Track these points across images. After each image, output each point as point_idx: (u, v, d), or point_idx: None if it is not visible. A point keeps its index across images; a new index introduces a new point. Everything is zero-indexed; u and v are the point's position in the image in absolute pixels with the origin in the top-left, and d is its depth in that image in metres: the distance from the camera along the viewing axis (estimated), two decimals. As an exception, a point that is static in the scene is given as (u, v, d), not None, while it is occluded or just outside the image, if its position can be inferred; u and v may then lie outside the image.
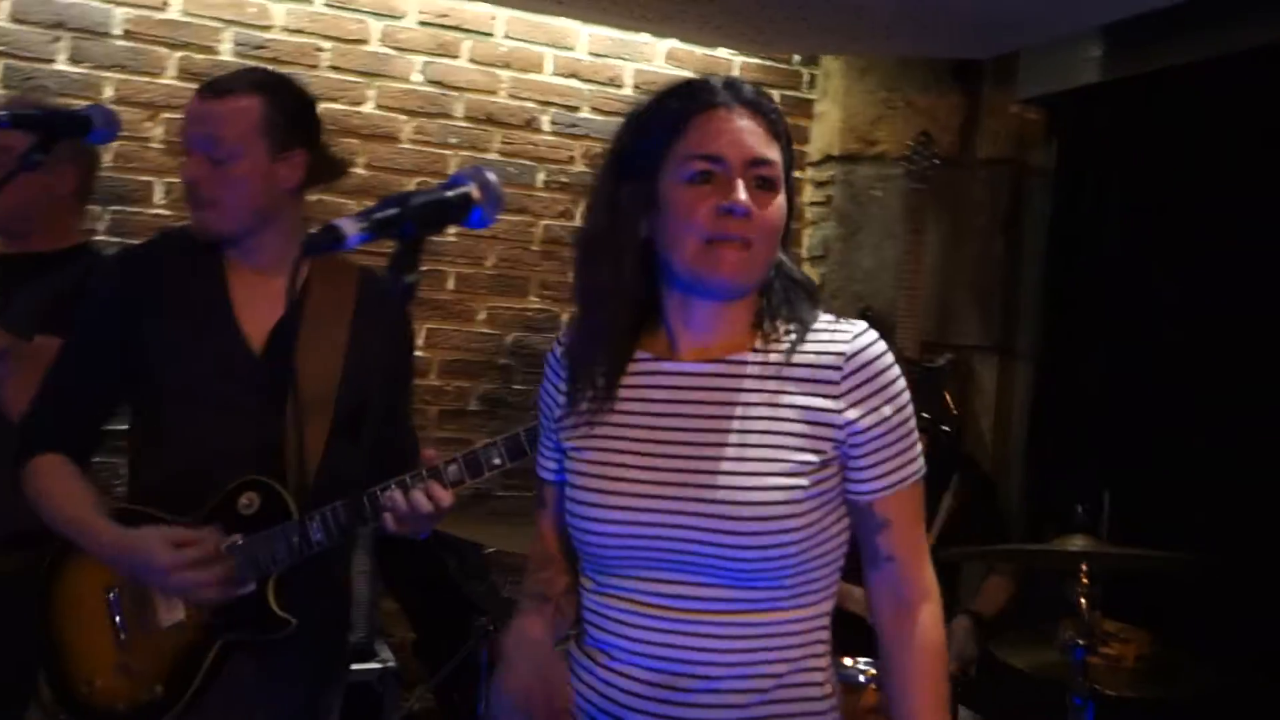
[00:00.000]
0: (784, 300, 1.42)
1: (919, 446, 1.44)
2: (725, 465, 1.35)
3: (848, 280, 3.98)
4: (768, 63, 4.06)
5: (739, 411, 1.38)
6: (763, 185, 1.37)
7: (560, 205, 3.83)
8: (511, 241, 3.75)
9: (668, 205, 1.36)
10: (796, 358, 1.39)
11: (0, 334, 2.05)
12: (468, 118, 3.69)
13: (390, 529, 1.83)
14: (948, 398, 3.57)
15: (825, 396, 1.37)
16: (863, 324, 1.43)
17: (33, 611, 1.97)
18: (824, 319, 1.43)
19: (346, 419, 1.94)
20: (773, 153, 1.38)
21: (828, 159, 4.04)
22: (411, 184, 3.62)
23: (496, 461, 1.84)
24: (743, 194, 1.34)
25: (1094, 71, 3.44)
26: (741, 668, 1.36)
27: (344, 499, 1.85)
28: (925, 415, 3.48)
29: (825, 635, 1.43)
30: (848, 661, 2.41)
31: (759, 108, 1.40)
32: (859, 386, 1.38)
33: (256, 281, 1.94)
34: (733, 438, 1.36)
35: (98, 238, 3.25)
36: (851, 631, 1.86)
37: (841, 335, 1.40)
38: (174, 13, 3.35)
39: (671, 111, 1.40)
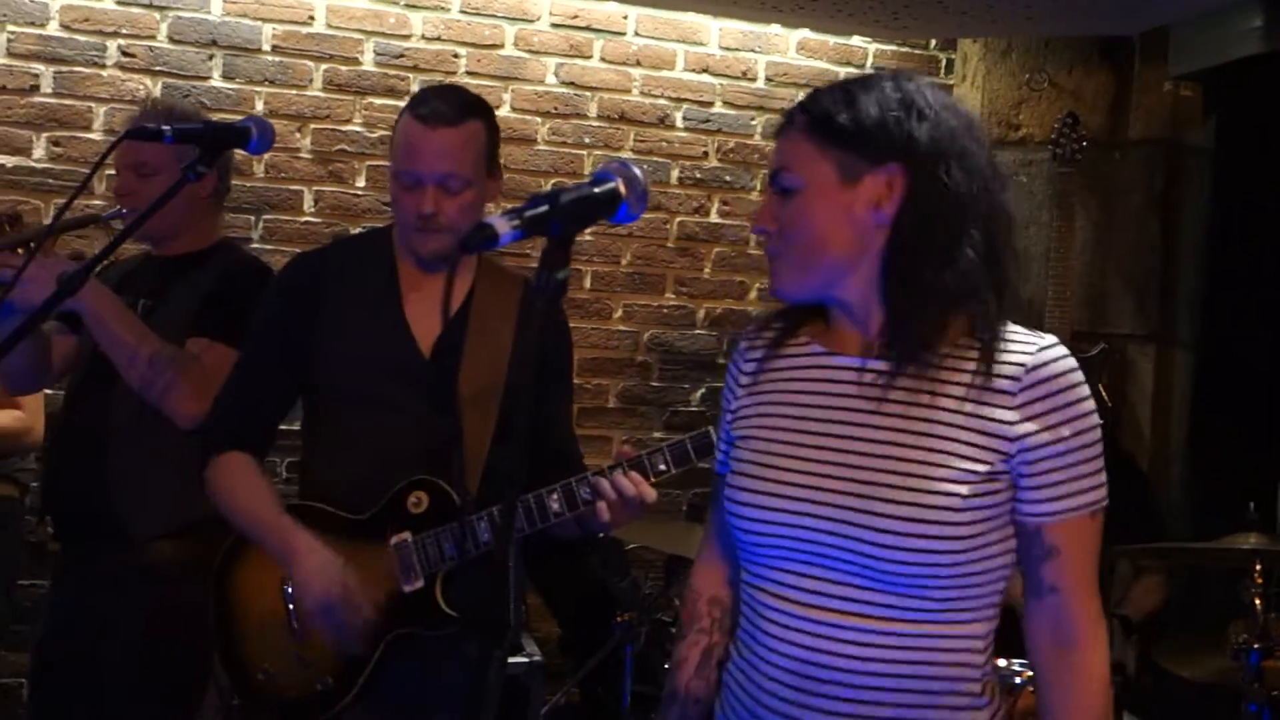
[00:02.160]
0: (978, 305, 1.34)
1: (1104, 475, 1.35)
2: (882, 464, 1.32)
3: (991, 269, 3.85)
4: (903, 49, 3.97)
5: (905, 411, 1.33)
6: (784, 192, 1.37)
7: (695, 201, 3.82)
8: (647, 239, 3.76)
9: None
10: (976, 364, 1.33)
11: (160, 342, 2.14)
12: (601, 117, 3.72)
13: (567, 527, 1.86)
14: (1102, 390, 3.43)
15: (1000, 407, 1.32)
16: (1052, 338, 1.36)
17: (204, 599, 2.06)
18: (1016, 329, 1.37)
19: (511, 422, 1.97)
20: (785, 162, 1.37)
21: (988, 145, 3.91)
22: (548, 185, 3.67)
23: (662, 468, 1.85)
24: (760, 213, 1.41)
25: (1254, 43, 3.25)
26: (881, 677, 1.32)
27: (511, 500, 1.88)
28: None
29: (981, 659, 1.36)
30: (1002, 662, 2.33)
31: (810, 126, 1.38)
32: (1037, 401, 1.31)
33: (427, 288, 2.00)
34: (895, 437, 1.33)
35: (252, 246, 3.40)
36: (1006, 626, 1.79)
37: (1026, 346, 1.34)
38: (319, 26, 3.46)
39: None
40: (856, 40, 3.91)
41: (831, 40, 3.88)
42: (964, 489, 1.29)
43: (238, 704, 2.06)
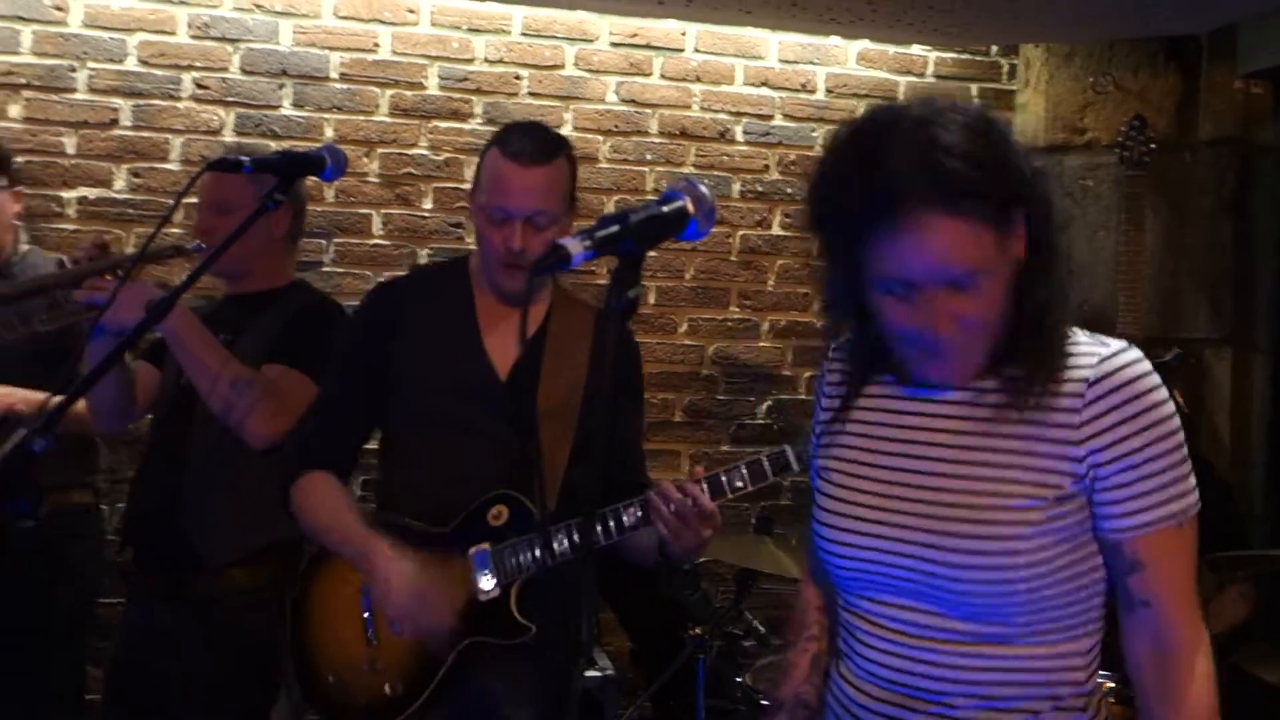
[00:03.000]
0: (1034, 325, 1.30)
1: (1189, 482, 1.30)
2: (951, 497, 1.31)
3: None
4: (963, 56, 3.95)
5: (972, 441, 1.32)
6: (955, 288, 1.23)
7: (757, 215, 3.83)
8: (710, 253, 3.78)
9: (874, 308, 1.30)
10: (1037, 385, 1.29)
11: (239, 366, 2.20)
12: (662, 133, 3.75)
13: (661, 546, 1.90)
14: (1178, 395, 3.37)
15: (1064, 427, 1.28)
16: (1119, 344, 1.31)
17: (273, 625, 2.11)
18: (1079, 339, 1.32)
19: (586, 442, 2.03)
20: (961, 255, 1.20)
21: (1033, 151, 3.87)
22: (610, 203, 3.70)
23: (739, 485, 1.87)
24: (934, 321, 1.24)
25: (1328, 38, 3.18)
26: (979, 700, 1.31)
27: (587, 515, 1.92)
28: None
29: (1082, 676, 1.34)
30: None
31: (957, 205, 1.19)
32: (1102, 415, 1.27)
33: (504, 316, 2.06)
34: (963, 469, 1.32)
35: (324, 269, 3.47)
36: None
37: (1087, 359, 1.29)
38: (384, 53, 3.54)
39: (852, 218, 1.24)
40: (916, 49, 3.89)
41: (891, 50, 3.87)
42: (1034, 515, 1.27)
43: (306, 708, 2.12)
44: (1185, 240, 3.64)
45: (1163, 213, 3.63)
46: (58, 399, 1.82)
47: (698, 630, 2.79)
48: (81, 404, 1.86)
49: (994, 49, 3.97)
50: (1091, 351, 1.30)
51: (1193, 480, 1.31)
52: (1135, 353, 1.31)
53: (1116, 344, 1.32)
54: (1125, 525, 1.29)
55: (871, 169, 1.20)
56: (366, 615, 2.01)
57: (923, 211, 1.19)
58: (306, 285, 2.59)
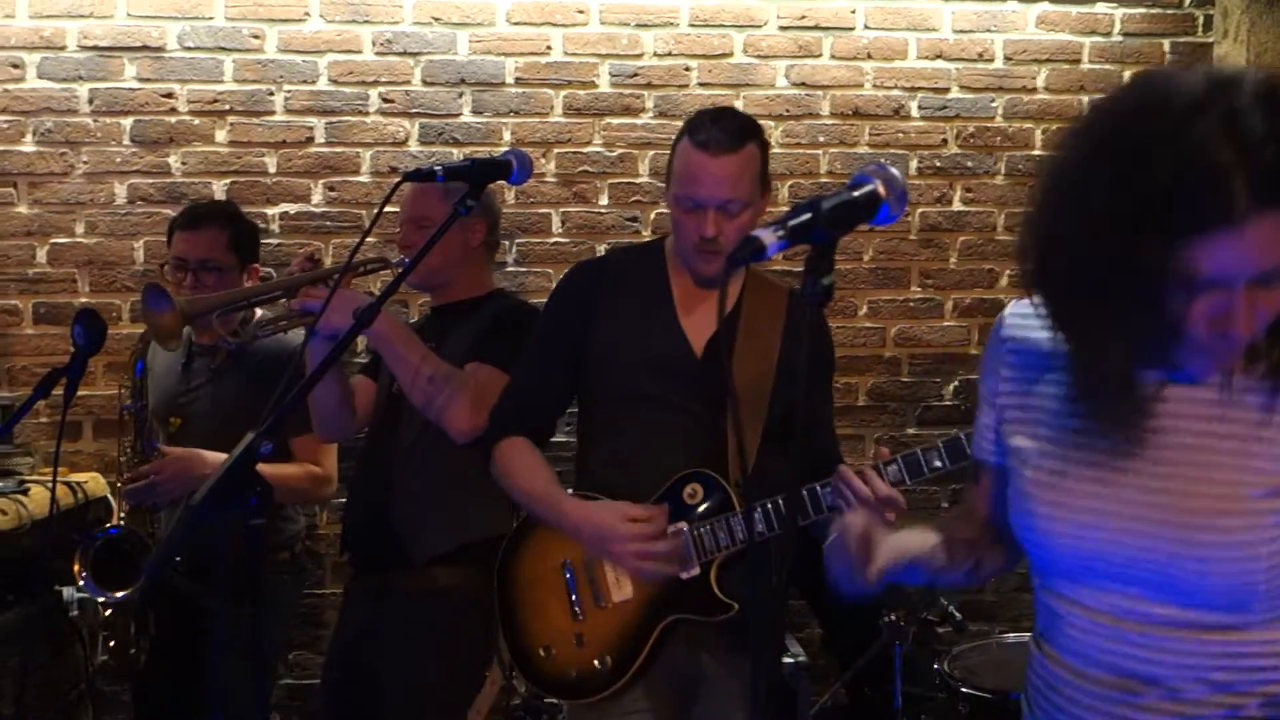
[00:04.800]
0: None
1: None
2: (1194, 486, 1.25)
3: (1269, 237, 3.57)
4: (1153, 10, 3.75)
5: (1215, 429, 1.26)
6: (1266, 285, 1.13)
7: (936, 191, 3.73)
8: (888, 232, 3.71)
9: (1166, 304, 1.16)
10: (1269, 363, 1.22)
11: (440, 363, 2.30)
12: (834, 114, 3.70)
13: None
14: None
15: None
16: None
17: (470, 624, 2.20)
18: None
19: (779, 422, 2.05)
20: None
21: None
22: (784, 188, 3.68)
23: (937, 464, 1.86)
24: (1242, 320, 1.14)
25: None
26: (1208, 685, 1.26)
27: (782, 494, 1.94)
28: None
29: None
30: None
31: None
32: None
33: (698, 294, 2.10)
34: (1204, 456, 1.25)
35: (508, 268, 3.59)
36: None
37: None
38: (556, 55, 3.62)
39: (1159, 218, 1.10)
40: (1100, 7, 3.72)
41: (1074, 10, 3.71)
42: (1277, 503, 1.21)
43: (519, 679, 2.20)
44: None
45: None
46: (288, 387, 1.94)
47: (892, 616, 2.75)
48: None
49: (1186, 0, 3.75)
50: None
51: None
52: None
53: None
54: None
55: (1191, 165, 1.08)
56: (571, 589, 2.08)
57: (1256, 211, 1.07)
58: (506, 293, 2.69)
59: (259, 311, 2.80)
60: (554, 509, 2.06)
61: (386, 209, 2.01)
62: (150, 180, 3.53)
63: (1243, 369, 1.25)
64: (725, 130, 2.00)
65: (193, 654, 2.65)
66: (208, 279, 2.78)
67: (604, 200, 3.66)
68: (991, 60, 3.72)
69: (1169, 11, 3.76)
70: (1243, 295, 1.12)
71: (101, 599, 2.73)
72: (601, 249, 3.64)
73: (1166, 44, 3.77)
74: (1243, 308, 1.12)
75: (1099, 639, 1.31)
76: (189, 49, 3.52)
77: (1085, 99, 3.73)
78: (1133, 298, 1.15)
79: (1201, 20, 3.77)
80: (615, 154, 3.65)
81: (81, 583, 2.68)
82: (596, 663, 2.04)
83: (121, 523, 2.76)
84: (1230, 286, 1.12)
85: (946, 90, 3.72)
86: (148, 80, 3.51)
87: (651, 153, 3.63)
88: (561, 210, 3.65)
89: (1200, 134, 1.07)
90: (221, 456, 2.68)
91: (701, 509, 2.01)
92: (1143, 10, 3.74)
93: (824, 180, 3.69)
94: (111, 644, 2.82)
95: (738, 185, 1.98)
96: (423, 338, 2.40)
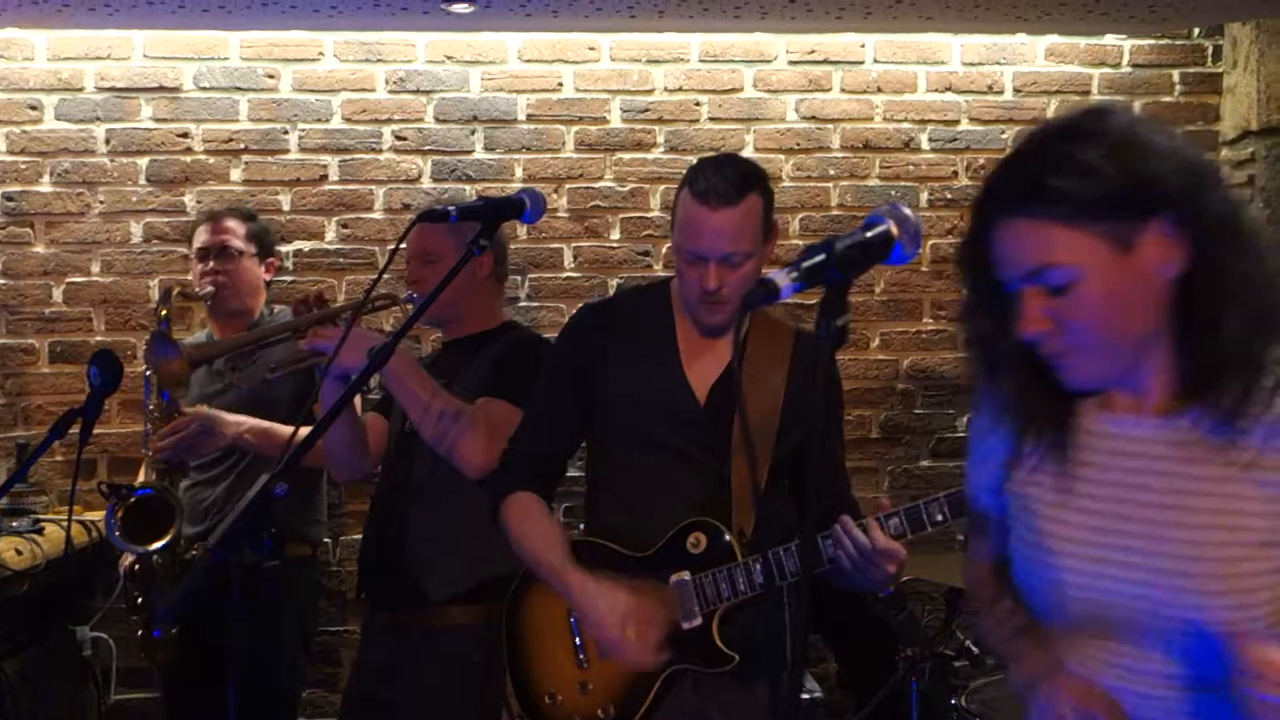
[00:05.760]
0: (1242, 341, 1.19)
1: None
2: (1178, 534, 1.23)
3: (1283, 266, 3.56)
4: (1162, 41, 3.76)
5: (1191, 470, 1.23)
6: (1045, 287, 1.22)
7: (947, 222, 3.74)
8: (900, 266, 3.70)
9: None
10: (1254, 409, 1.19)
11: (451, 399, 2.30)
12: (844, 147, 3.71)
13: (847, 579, 1.89)
14: None
15: None
16: None
17: (490, 661, 2.19)
18: None
19: (783, 466, 2.03)
20: (1042, 252, 1.21)
21: (1245, 135, 3.65)
22: (795, 221, 3.69)
23: (939, 518, 1.84)
24: (1027, 322, 1.24)
25: None
26: None
27: (785, 542, 1.92)
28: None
29: None
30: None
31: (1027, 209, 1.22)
32: None
33: (702, 339, 2.09)
34: (1188, 501, 1.23)
35: (520, 304, 3.60)
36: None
37: None
38: (568, 92, 3.64)
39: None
40: (1110, 39, 3.73)
41: (1083, 43, 3.72)
42: (1273, 552, 1.18)
43: None
44: None
45: (1400, 191, 3.34)
46: (296, 434, 1.94)
47: (909, 652, 2.73)
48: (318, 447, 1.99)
49: (1196, 31, 3.76)
50: None
51: None
52: None
53: None
54: None
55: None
56: (576, 638, 2.07)
57: (1004, 216, 1.23)
58: (517, 325, 2.69)
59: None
60: (559, 579, 2.03)
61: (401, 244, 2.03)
62: (166, 219, 3.56)
63: (1201, 409, 1.22)
64: (726, 181, 1.95)
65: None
66: (227, 264, 3.00)
67: (616, 235, 3.68)
68: (1001, 93, 3.73)
69: (1178, 43, 3.77)
70: (1022, 296, 1.22)
71: (132, 554, 2.81)
72: (614, 284, 3.65)
73: (1176, 74, 3.77)
74: (1022, 308, 1.22)
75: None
76: (204, 89, 3.55)
77: (1095, 130, 3.73)
78: (979, 312, 1.31)
79: (1211, 50, 3.78)
80: (627, 189, 3.66)
81: (115, 536, 2.75)
82: (600, 711, 2.03)
83: (152, 483, 2.82)
84: (1011, 288, 1.23)
85: (956, 123, 3.73)
86: (164, 120, 3.55)
87: (663, 187, 3.65)
88: (573, 245, 3.67)
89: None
90: (241, 418, 2.83)
91: (705, 558, 2.00)
92: (1152, 41, 3.75)
93: (835, 213, 3.70)
94: (140, 632, 2.84)
95: (739, 238, 1.95)
96: (435, 373, 2.39)
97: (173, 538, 2.75)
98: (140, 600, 2.83)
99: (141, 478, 2.93)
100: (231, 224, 3.05)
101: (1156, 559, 1.23)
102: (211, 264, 3.00)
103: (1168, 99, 3.77)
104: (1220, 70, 3.77)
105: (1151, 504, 1.25)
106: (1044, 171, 1.20)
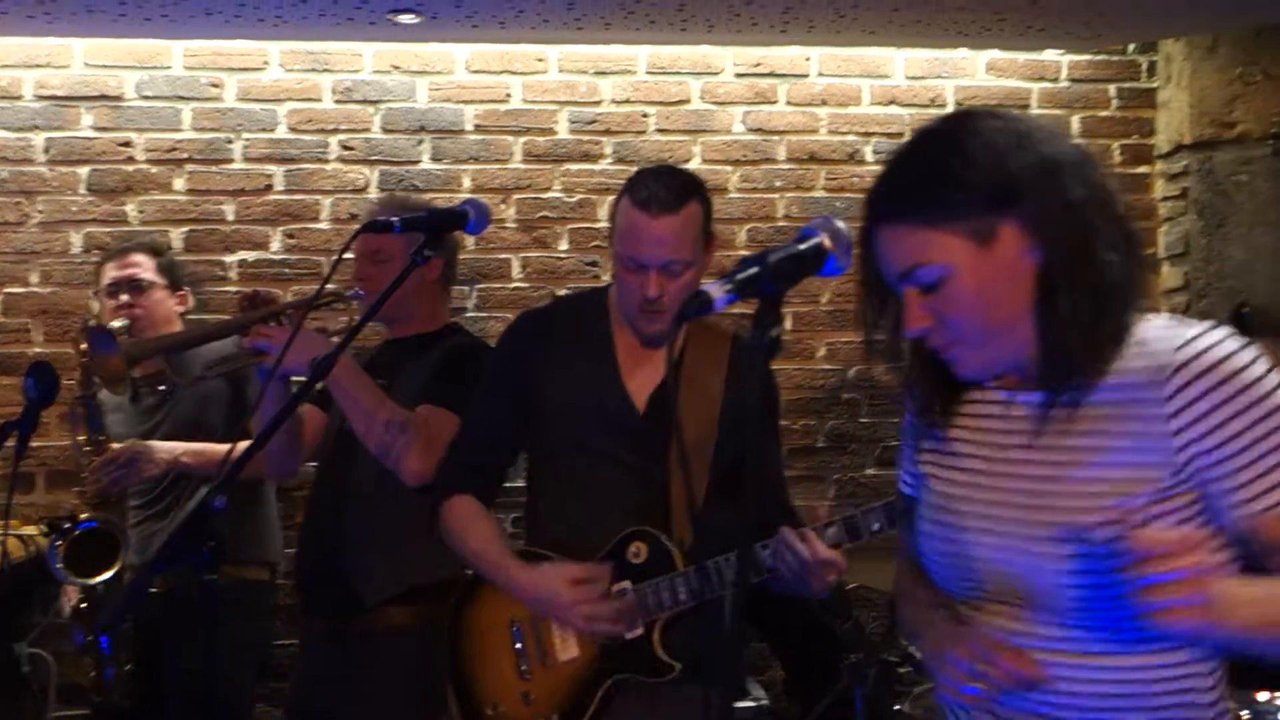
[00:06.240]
0: (1090, 319, 1.25)
1: None
2: (1044, 499, 1.28)
3: (1216, 276, 3.65)
4: (1099, 57, 3.84)
5: (1059, 441, 1.29)
6: (920, 286, 1.29)
7: (891, 234, 3.78)
8: (845, 275, 3.74)
9: None
10: (1112, 378, 1.26)
11: (396, 409, 2.30)
12: (790, 159, 3.75)
13: (785, 584, 1.90)
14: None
15: (1151, 419, 1.23)
16: (1201, 325, 1.26)
17: (423, 662, 2.18)
18: (1153, 327, 1.27)
19: (723, 474, 2.05)
20: (912, 254, 1.29)
21: (1179, 149, 3.74)
22: (742, 232, 3.72)
23: (876, 527, 1.87)
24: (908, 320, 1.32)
25: None
26: (1097, 711, 1.27)
27: (726, 551, 1.94)
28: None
29: (1206, 684, 1.28)
30: (1262, 696, 2.19)
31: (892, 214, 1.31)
32: (1194, 402, 1.21)
33: (641, 348, 2.10)
34: (1052, 470, 1.29)
35: (468, 314, 3.59)
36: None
37: (1168, 344, 1.24)
38: (515, 103, 3.65)
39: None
40: (1049, 54, 3.81)
41: (1021, 58, 3.80)
42: (1133, 514, 1.22)
43: None
44: (1353, 232, 3.44)
45: (1326, 204, 3.45)
46: (235, 449, 1.93)
47: (854, 658, 2.75)
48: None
49: (1130, 47, 3.85)
50: (1169, 337, 1.25)
51: None
52: (1220, 331, 1.25)
53: (1198, 325, 1.26)
54: (1254, 509, 1.22)
55: None
56: (519, 647, 2.07)
57: (886, 208, 1.30)
58: (460, 328, 2.69)
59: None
60: (501, 573, 2.05)
61: (345, 254, 2.03)
62: (106, 229, 3.51)
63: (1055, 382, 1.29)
64: (666, 189, 1.98)
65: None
66: (139, 298, 2.93)
67: (564, 245, 3.69)
68: (944, 106, 3.79)
69: (1114, 58, 3.85)
70: (906, 296, 1.30)
71: (76, 587, 2.78)
72: (562, 293, 3.66)
73: (1112, 89, 3.86)
74: (905, 307, 1.30)
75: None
76: (147, 98, 3.52)
77: (1035, 143, 3.81)
78: (877, 314, 1.38)
79: (1145, 66, 3.87)
80: (575, 199, 3.68)
81: (58, 569, 2.72)
82: None
83: (96, 515, 2.77)
84: (893, 286, 1.31)
85: (900, 135, 3.78)
86: (105, 129, 3.51)
87: (611, 198, 3.60)
88: (521, 255, 3.67)
89: None
90: (175, 444, 2.80)
91: (645, 569, 2.01)
92: (1089, 57, 3.83)
93: (781, 224, 3.74)
94: (92, 674, 2.80)
95: (680, 246, 1.97)
96: (375, 372, 2.39)
97: (119, 569, 2.71)
98: (90, 640, 2.77)
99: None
100: (139, 258, 2.98)
101: (1020, 530, 1.29)
102: (123, 298, 2.93)
103: (1104, 113, 3.86)
104: (1154, 85, 3.87)
105: (1028, 474, 1.31)
106: (910, 178, 1.29)
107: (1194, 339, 1.24)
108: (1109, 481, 1.25)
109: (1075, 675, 1.28)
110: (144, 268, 2.97)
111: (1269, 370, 1.23)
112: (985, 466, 1.35)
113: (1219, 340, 1.23)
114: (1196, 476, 1.23)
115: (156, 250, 3.08)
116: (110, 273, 2.98)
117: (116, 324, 2.88)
